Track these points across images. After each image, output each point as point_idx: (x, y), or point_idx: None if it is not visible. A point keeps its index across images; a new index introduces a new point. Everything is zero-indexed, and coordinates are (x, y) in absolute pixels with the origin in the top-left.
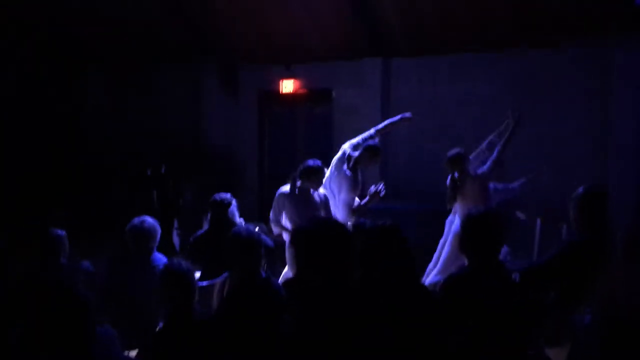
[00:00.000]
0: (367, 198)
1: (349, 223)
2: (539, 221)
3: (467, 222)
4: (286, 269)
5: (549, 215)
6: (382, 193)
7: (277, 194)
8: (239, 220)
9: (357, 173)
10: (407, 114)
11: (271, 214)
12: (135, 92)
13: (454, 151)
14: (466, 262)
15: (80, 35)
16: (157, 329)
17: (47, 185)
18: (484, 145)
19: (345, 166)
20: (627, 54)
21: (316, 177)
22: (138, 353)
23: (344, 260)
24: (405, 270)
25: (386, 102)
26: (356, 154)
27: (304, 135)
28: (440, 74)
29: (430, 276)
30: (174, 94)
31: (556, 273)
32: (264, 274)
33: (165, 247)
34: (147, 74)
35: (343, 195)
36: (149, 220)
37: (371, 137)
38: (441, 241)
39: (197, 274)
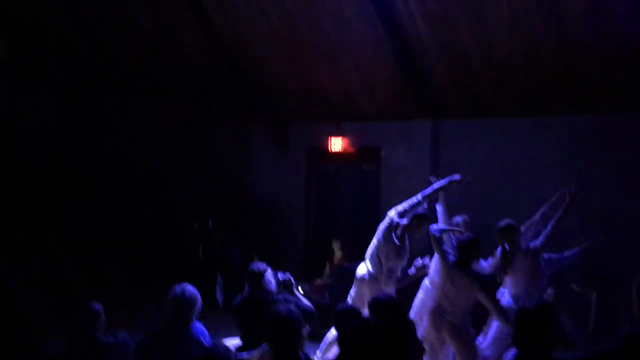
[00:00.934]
0: (414, 270)
1: (392, 290)
2: (595, 295)
3: (520, 316)
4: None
5: (606, 288)
6: (430, 270)
7: None
8: (273, 286)
9: (404, 241)
10: (456, 176)
11: None
12: (188, 148)
13: (505, 222)
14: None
15: (139, 99)
16: None
17: (95, 240)
18: (537, 217)
19: (393, 234)
20: None
21: None
22: None
23: None
24: None
25: (435, 163)
26: (404, 221)
27: (351, 193)
28: (491, 136)
29: (480, 349)
30: (225, 150)
31: None
32: (302, 356)
33: (209, 303)
34: (199, 132)
35: (390, 264)
36: (190, 288)
37: (419, 202)
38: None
39: (236, 340)
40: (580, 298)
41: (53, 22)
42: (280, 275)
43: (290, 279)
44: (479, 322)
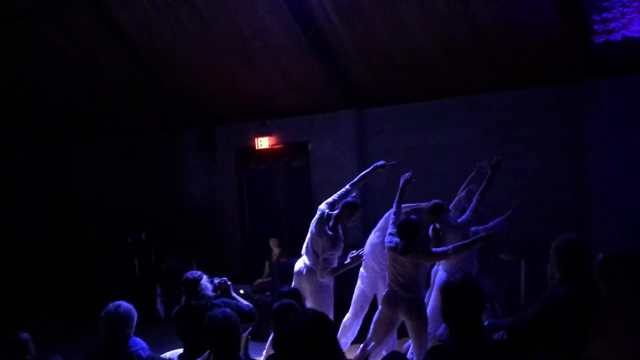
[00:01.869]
0: (349, 260)
1: (325, 281)
2: (523, 263)
3: (446, 291)
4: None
5: (533, 256)
6: (364, 258)
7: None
8: (210, 292)
9: (338, 231)
10: (380, 162)
11: None
12: (116, 160)
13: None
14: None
15: (69, 105)
16: None
17: (34, 257)
18: (462, 194)
19: (325, 226)
20: (595, 98)
21: None
22: None
23: None
24: None
25: (362, 153)
26: (335, 212)
27: (283, 190)
28: (415, 121)
29: None
30: (153, 159)
31: (543, 329)
32: (243, 358)
33: (150, 316)
34: (127, 143)
35: (326, 255)
36: (125, 304)
37: (348, 192)
38: (427, 293)
39: (179, 350)
40: (510, 267)
41: None
42: (216, 280)
43: (226, 282)
44: None
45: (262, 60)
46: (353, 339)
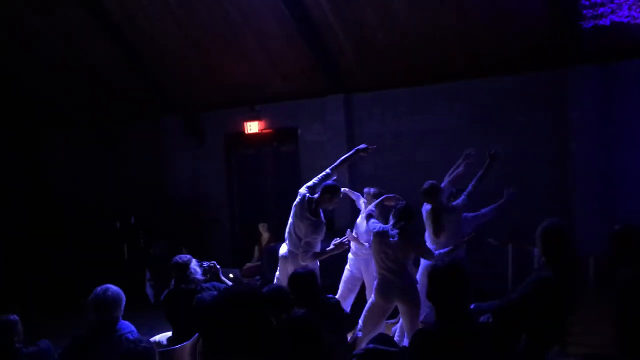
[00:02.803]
0: (332, 246)
1: (309, 265)
2: (510, 247)
3: (433, 275)
4: None
5: (520, 240)
6: (347, 245)
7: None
8: (199, 275)
9: (319, 216)
10: (362, 146)
11: None
12: (101, 147)
13: (429, 183)
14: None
15: (45, 93)
16: None
17: (15, 244)
18: (448, 179)
19: (307, 210)
20: (580, 83)
21: None
22: None
23: None
24: None
25: (350, 137)
26: (316, 196)
27: (272, 175)
28: (402, 107)
29: None
30: (141, 146)
31: (526, 313)
32: None
33: (140, 300)
34: (112, 130)
35: (308, 239)
36: (113, 288)
37: (328, 176)
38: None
39: (169, 334)
40: (498, 251)
41: None
42: (205, 264)
43: (215, 266)
44: None
45: (250, 44)
46: None
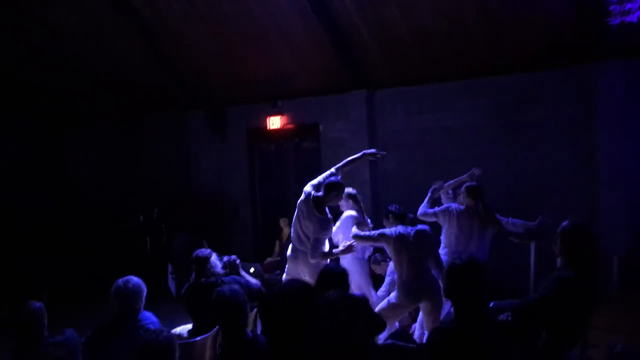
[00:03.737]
0: (341, 248)
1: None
2: (533, 245)
3: (451, 272)
4: None
5: (543, 239)
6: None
7: None
8: (220, 270)
9: (326, 213)
10: (371, 150)
11: None
12: (125, 142)
13: (475, 183)
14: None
15: (69, 93)
16: None
17: (40, 240)
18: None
19: (313, 208)
20: (606, 80)
21: None
22: None
23: None
24: None
25: (372, 134)
26: (320, 193)
27: (293, 171)
28: (425, 103)
29: None
30: (165, 141)
31: (546, 312)
32: (250, 334)
33: (162, 292)
34: (135, 124)
35: (317, 235)
36: (134, 279)
37: (332, 175)
38: None
39: (189, 326)
40: (520, 249)
41: None
42: (225, 258)
43: (235, 260)
44: None
45: (274, 41)
46: None
